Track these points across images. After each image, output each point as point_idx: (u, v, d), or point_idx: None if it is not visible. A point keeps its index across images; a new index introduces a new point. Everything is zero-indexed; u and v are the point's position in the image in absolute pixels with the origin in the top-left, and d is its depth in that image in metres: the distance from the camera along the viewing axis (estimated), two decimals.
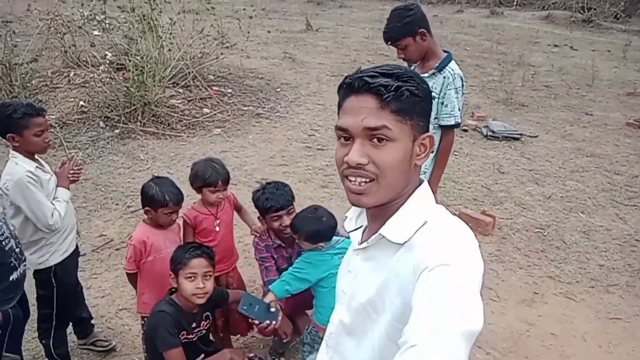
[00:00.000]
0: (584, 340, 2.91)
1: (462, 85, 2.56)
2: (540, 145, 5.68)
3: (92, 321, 2.81)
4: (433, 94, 2.51)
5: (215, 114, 6.12)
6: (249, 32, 7.73)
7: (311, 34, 10.61)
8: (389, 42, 2.57)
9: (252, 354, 2.29)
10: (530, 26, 12.24)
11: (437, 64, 2.53)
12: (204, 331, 2.23)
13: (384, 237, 1.01)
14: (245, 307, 2.22)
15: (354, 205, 1.04)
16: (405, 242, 0.98)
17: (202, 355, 2.22)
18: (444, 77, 2.49)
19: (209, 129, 5.80)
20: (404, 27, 2.48)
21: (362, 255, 1.09)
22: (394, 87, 0.96)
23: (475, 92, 7.41)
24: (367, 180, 0.98)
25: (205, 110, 6.19)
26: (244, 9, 8.57)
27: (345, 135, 1.00)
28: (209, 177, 2.45)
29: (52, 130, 5.16)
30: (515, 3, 15.02)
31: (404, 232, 0.99)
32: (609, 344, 2.89)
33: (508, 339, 2.90)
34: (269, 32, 10.36)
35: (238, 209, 2.82)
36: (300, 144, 5.51)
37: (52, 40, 7.07)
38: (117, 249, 3.63)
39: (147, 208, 2.35)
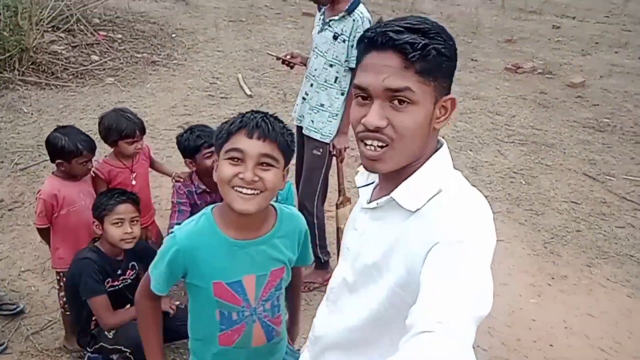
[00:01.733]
0: None
1: None
2: None
3: None
4: (343, 36, 2.57)
5: (105, 62, 5.69)
6: None
7: None
8: None
9: (179, 302, 2.32)
10: None
11: (346, 7, 2.57)
12: (129, 280, 2.22)
13: (394, 200, 0.96)
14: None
15: (368, 170, 1.01)
16: (417, 209, 0.94)
17: (128, 305, 2.21)
18: (354, 20, 2.55)
19: (100, 78, 5.40)
20: None
21: (370, 215, 1.05)
22: (420, 45, 0.88)
23: None
24: (384, 144, 0.92)
25: (94, 57, 5.73)
26: None
27: (363, 95, 0.93)
28: (126, 127, 2.35)
29: None
30: None
31: (417, 198, 0.94)
32: (494, 262, 3.26)
33: None
34: None
35: (152, 163, 2.73)
36: (202, 93, 5.36)
37: None
38: (10, 210, 3.36)
39: (58, 161, 2.22)
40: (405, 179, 0.96)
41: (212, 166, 2.43)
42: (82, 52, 5.76)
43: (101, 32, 6.15)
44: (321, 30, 2.68)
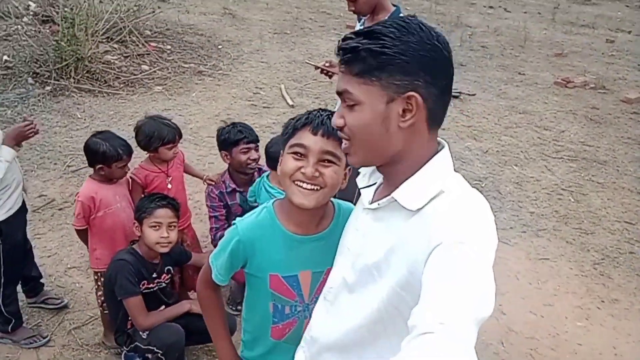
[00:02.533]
0: (516, 279, 3.19)
1: None
2: (477, 103, 5.94)
3: (41, 280, 2.73)
4: None
5: (154, 71, 5.88)
6: None
7: None
8: None
9: None
10: None
11: (386, 18, 2.56)
12: (164, 284, 2.25)
13: (396, 200, 0.97)
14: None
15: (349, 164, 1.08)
16: (419, 209, 0.94)
17: (162, 307, 2.25)
18: None
19: (149, 87, 5.58)
20: None
21: (371, 215, 1.06)
22: (349, 48, 0.93)
23: None
24: (345, 141, 1.01)
25: (144, 67, 5.94)
26: None
27: None
28: (167, 134, 2.42)
29: None
30: None
31: (418, 198, 0.95)
32: (538, 281, 3.18)
33: None
34: None
35: (184, 167, 2.78)
36: (246, 102, 5.45)
37: None
38: (60, 209, 3.50)
39: (99, 165, 2.29)
40: (406, 179, 0.98)
41: (246, 162, 2.49)
42: (133, 62, 5.99)
43: (152, 43, 6.38)
44: None
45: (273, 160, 2.31)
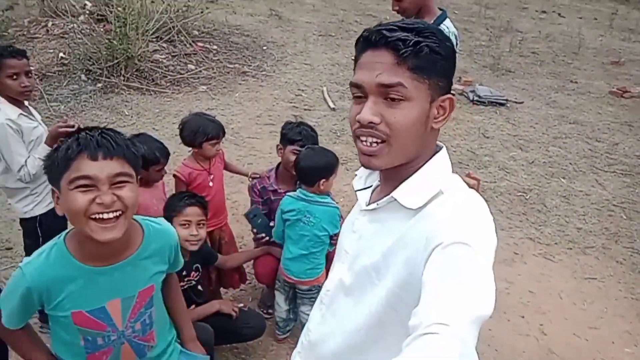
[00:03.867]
0: (560, 298, 3.03)
1: (456, 44, 2.54)
2: (525, 111, 5.73)
3: None
4: None
5: (200, 71, 5.99)
6: None
7: None
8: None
9: (242, 304, 2.34)
10: None
11: (432, 21, 2.49)
12: (193, 282, 2.26)
13: (395, 200, 0.97)
14: (251, 216, 2.48)
15: (364, 167, 1.00)
16: (419, 208, 0.94)
17: (193, 306, 2.26)
18: None
19: (194, 86, 5.70)
20: None
21: (368, 217, 1.05)
22: (412, 42, 0.89)
23: (462, 56, 7.38)
24: (379, 141, 0.93)
25: (190, 66, 6.06)
26: None
27: (359, 94, 0.94)
28: (211, 130, 2.43)
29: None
30: None
31: (418, 198, 0.94)
32: (584, 301, 3.02)
33: None
34: None
35: (225, 165, 2.80)
36: (287, 104, 5.46)
37: None
38: None
39: None
40: (405, 179, 0.97)
41: (292, 162, 2.50)
42: (180, 61, 6.12)
43: (199, 43, 6.50)
44: None
45: (304, 176, 2.33)
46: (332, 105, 5.43)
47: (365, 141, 0.94)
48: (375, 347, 1.01)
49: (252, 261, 2.68)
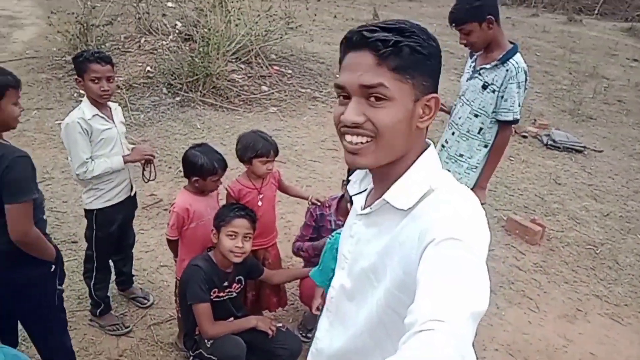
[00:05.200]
0: None
1: (526, 80, 2.44)
2: (604, 160, 5.39)
3: (134, 273, 2.93)
4: (493, 87, 2.42)
5: (272, 93, 6.19)
6: (315, 15, 7.74)
7: None
8: (454, 25, 2.45)
9: (280, 324, 2.33)
10: (610, 37, 11.58)
11: (500, 56, 2.42)
12: (234, 293, 2.28)
13: (387, 202, 0.97)
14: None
15: (349, 165, 1.01)
16: (410, 208, 0.94)
17: (231, 318, 2.28)
18: (507, 70, 2.38)
19: (265, 106, 5.88)
20: (472, 11, 2.36)
21: (364, 221, 1.05)
22: (392, 42, 0.89)
23: (540, 99, 7.11)
24: (364, 140, 0.93)
25: (264, 87, 6.28)
26: None
27: (344, 94, 0.95)
28: (261, 147, 2.45)
29: (119, 91, 5.38)
30: (596, 12, 14.24)
31: (409, 198, 0.94)
32: None
33: (542, 352, 2.79)
34: (335, 17, 10.36)
35: (282, 187, 2.79)
36: None
37: (128, 6, 7.38)
38: (165, 209, 3.76)
39: (195, 177, 2.35)
40: (395, 180, 0.97)
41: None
42: (255, 82, 6.37)
43: (275, 67, 6.74)
44: (470, 78, 2.55)
45: None
46: None
47: (351, 140, 0.94)
48: (380, 349, 1.00)
49: (298, 281, 2.67)
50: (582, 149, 5.51)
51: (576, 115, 6.57)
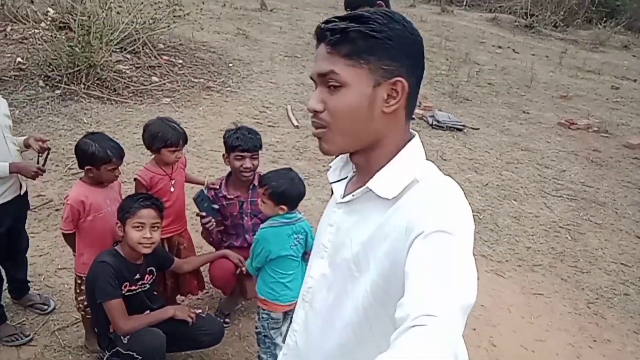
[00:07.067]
0: (509, 312, 3.15)
1: None
2: (480, 137, 5.98)
3: (29, 279, 2.71)
4: None
5: (164, 83, 5.96)
6: (203, 3, 7.56)
7: (265, 14, 10.50)
8: (348, 9, 2.61)
9: (199, 310, 2.32)
10: (478, 26, 12.74)
11: None
12: (147, 285, 2.23)
13: (371, 190, 0.96)
14: (199, 199, 2.54)
15: (321, 151, 1.02)
16: (394, 198, 0.93)
17: (147, 312, 2.22)
18: None
19: (157, 98, 5.65)
20: None
21: (344, 209, 1.04)
22: (338, 29, 0.91)
23: (423, 83, 7.56)
24: (323, 126, 0.96)
25: (154, 78, 6.01)
26: None
27: (315, 85, 0.98)
28: (171, 137, 2.41)
29: None
30: (464, 3, 15.56)
31: (393, 187, 0.94)
32: (531, 315, 3.14)
33: None
34: (223, 6, 10.17)
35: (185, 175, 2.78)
36: (251, 120, 5.49)
37: None
38: (56, 210, 3.50)
39: (87, 167, 2.22)
40: (378, 170, 0.97)
41: (239, 169, 2.52)
42: (144, 72, 6.07)
43: (164, 57, 6.47)
44: None
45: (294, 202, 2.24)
46: (295, 123, 5.51)
47: (314, 127, 0.99)
48: (364, 345, 0.99)
49: (208, 266, 2.66)
50: (462, 127, 6.07)
51: (455, 98, 7.19)
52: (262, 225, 2.27)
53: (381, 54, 0.92)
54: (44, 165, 2.39)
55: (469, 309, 0.75)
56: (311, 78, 0.98)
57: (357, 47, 0.91)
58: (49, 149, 2.42)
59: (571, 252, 3.90)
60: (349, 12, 2.56)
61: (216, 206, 2.62)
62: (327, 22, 0.95)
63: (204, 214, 2.56)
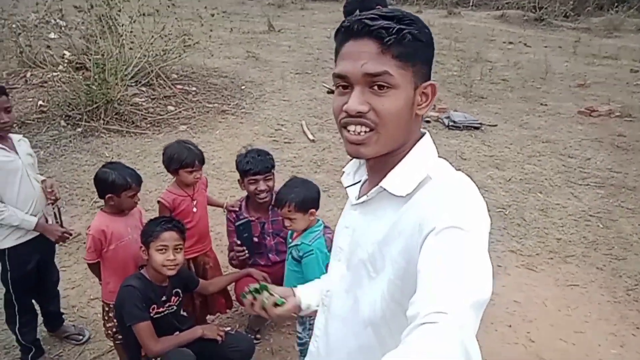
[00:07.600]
0: (544, 306, 3.06)
1: None
2: (499, 133, 5.91)
3: (63, 311, 2.77)
4: None
5: (180, 112, 6.08)
6: (211, 31, 7.72)
7: (273, 35, 10.66)
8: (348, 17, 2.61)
9: (229, 328, 2.32)
10: (486, 25, 12.68)
11: None
12: (174, 307, 2.24)
13: (385, 189, 0.96)
14: (241, 227, 2.50)
15: (352, 156, 0.99)
16: (408, 195, 0.93)
17: (177, 333, 2.23)
18: None
19: (174, 126, 5.77)
20: (364, 3, 2.50)
21: (360, 210, 1.04)
22: (395, 29, 0.89)
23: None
24: (368, 129, 0.92)
25: (170, 107, 6.15)
26: (205, 7, 8.50)
27: (344, 84, 0.94)
28: (186, 157, 2.46)
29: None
30: (471, 4, 15.52)
31: (407, 184, 0.94)
32: (568, 307, 3.05)
33: None
34: (231, 31, 10.37)
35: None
36: (267, 138, 5.55)
37: (6, 42, 6.90)
38: (84, 242, 3.57)
39: (108, 195, 2.27)
40: (392, 168, 0.97)
41: (254, 192, 2.52)
42: (159, 103, 6.21)
43: (178, 86, 6.63)
44: None
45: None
46: (311, 137, 5.54)
47: (354, 130, 0.93)
48: (385, 345, 0.97)
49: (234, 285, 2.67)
50: (479, 125, 6.00)
51: (469, 97, 7.13)
52: (308, 242, 2.21)
53: (422, 57, 0.94)
54: (58, 221, 2.49)
55: (483, 305, 0.74)
56: (339, 76, 0.94)
57: (408, 50, 0.91)
58: (57, 198, 2.48)
59: (604, 240, 3.78)
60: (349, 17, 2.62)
61: (256, 239, 2.58)
62: (371, 18, 0.90)
63: (239, 242, 2.52)
